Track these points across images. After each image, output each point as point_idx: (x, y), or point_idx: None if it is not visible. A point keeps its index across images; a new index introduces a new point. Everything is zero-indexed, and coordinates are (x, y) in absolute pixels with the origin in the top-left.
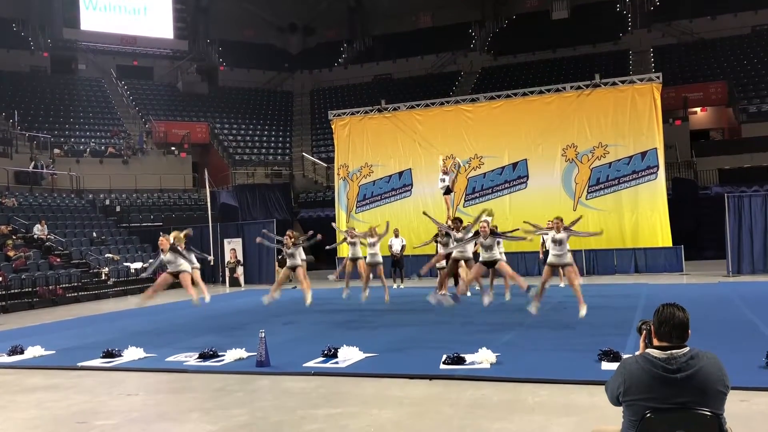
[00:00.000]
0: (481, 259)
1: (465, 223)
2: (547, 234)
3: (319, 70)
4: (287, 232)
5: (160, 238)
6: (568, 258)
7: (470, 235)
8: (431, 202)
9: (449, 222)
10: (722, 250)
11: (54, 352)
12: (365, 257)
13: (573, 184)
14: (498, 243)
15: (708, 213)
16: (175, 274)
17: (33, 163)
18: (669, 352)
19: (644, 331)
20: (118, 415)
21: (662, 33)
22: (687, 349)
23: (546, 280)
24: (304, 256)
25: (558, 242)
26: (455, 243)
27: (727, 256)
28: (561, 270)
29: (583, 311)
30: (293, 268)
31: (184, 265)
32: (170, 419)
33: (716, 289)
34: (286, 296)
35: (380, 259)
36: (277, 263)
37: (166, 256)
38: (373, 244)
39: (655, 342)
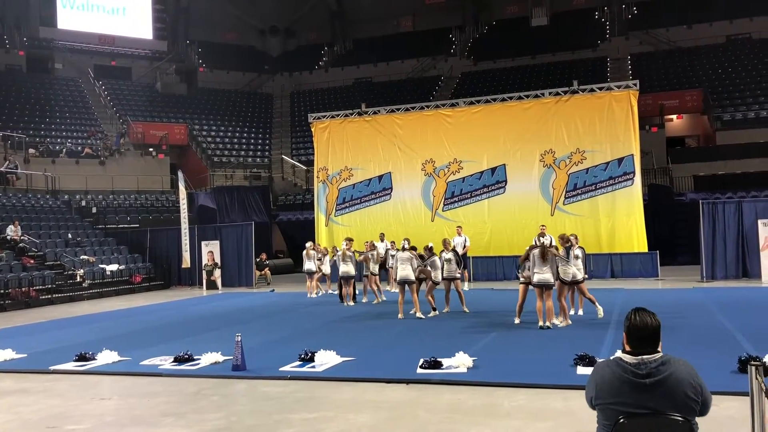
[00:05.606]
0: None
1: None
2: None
3: (299, 73)
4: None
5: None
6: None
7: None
8: (410, 206)
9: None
10: (696, 256)
11: (26, 355)
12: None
13: (551, 190)
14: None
15: (683, 219)
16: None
17: (6, 162)
18: (640, 357)
19: None
20: (90, 420)
21: (640, 41)
22: (659, 355)
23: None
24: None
25: (576, 257)
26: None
27: (701, 261)
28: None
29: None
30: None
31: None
32: (144, 423)
33: (690, 294)
34: (264, 299)
35: (352, 273)
36: (255, 266)
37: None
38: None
39: (627, 347)
